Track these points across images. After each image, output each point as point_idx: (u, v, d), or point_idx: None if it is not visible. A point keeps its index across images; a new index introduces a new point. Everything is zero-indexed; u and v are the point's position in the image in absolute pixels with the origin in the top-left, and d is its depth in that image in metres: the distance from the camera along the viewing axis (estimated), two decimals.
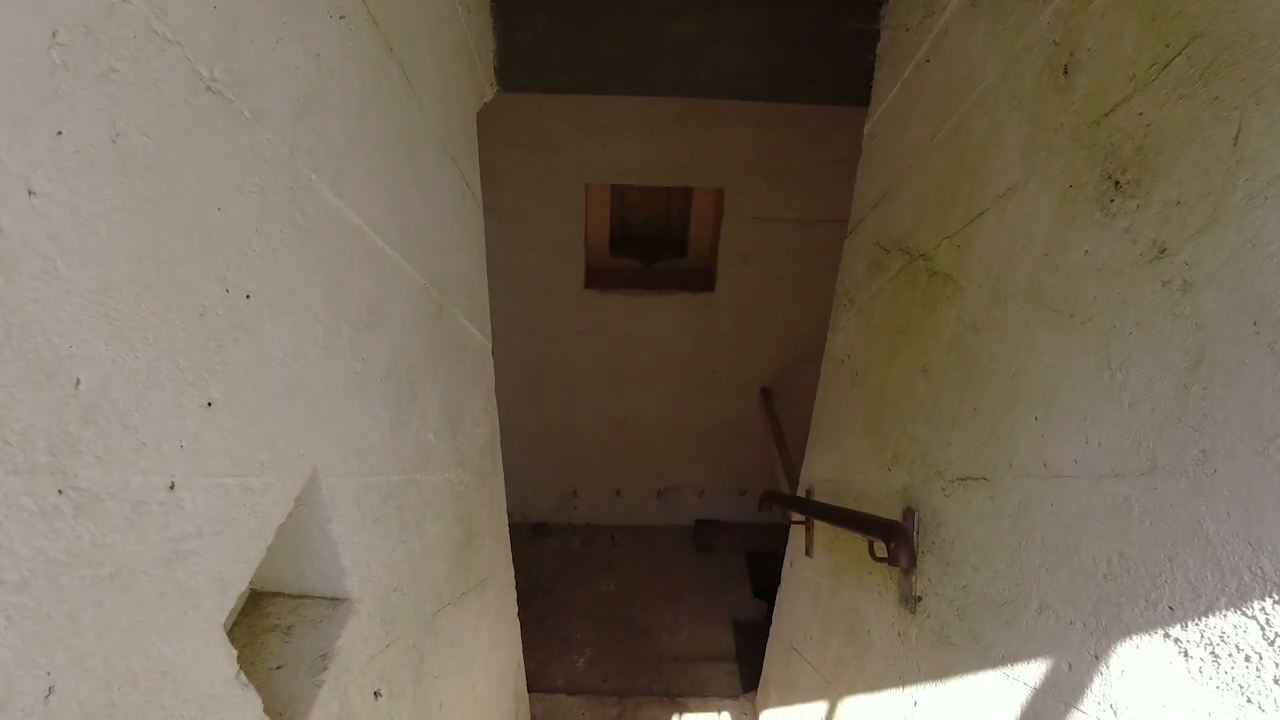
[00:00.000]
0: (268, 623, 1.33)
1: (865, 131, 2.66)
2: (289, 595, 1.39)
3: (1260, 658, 0.98)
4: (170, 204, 0.84)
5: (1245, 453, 0.98)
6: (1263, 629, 0.97)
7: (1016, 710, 1.51)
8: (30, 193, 0.66)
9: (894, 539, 1.90)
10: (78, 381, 0.72)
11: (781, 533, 3.90)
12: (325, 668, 1.27)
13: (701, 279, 4.98)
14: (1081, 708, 1.29)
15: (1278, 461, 0.93)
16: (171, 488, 0.84)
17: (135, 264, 0.79)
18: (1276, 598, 0.95)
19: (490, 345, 2.56)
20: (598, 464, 5.69)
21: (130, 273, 0.78)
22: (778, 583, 3.90)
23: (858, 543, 2.42)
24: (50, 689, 0.70)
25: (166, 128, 0.83)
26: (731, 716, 4.36)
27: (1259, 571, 0.97)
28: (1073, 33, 1.41)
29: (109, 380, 0.75)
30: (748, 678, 4.68)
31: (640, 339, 5.10)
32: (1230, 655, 1.02)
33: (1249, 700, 0.99)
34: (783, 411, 5.20)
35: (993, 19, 1.74)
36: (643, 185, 4.64)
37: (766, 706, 4.14)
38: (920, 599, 1.97)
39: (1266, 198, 0.96)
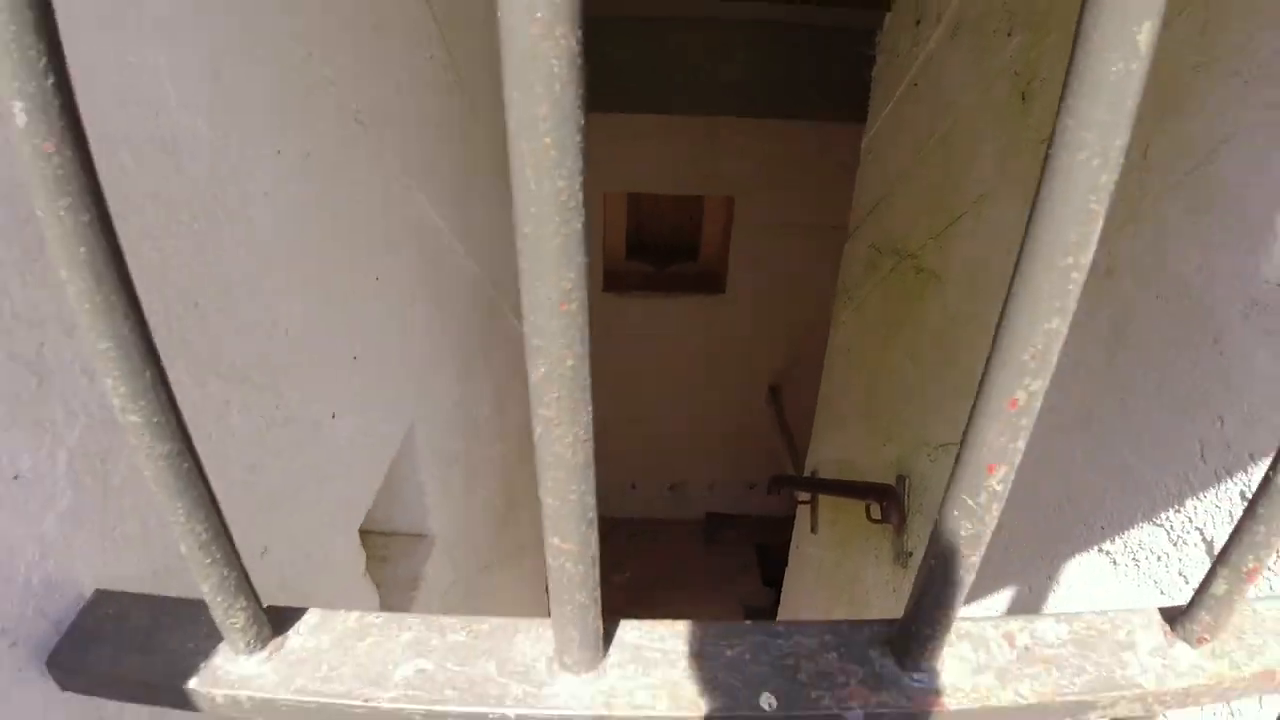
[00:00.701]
0: (368, 552, 1.61)
1: (862, 146, 2.94)
2: (380, 533, 1.67)
3: (1168, 556, 1.25)
4: (335, 204, 1.13)
5: (1151, 399, 1.26)
6: (1168, 534, 1.24)
7: None
8: (265, 194, 0.95)
9: (886, 499, 2.17)
10: (286, 331, 1.00)
11: (788, 526, 4.16)
12: (416, 588, 1.55)
13: (712, 282, 5.27)
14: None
15: (1178, 405, 1.21)
16: (334, 416, 1.13)
17: (320, 248, 1.07)
18: (1177, 508, 1.22)
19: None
20: (613, 459, 5.95)
21: (319, 254, 1.07)
22: (782, 571, 4.18)
23: (857, 513, 2.69)
24: (265, 548, 0.98)
25: (333, 148, 1.12)
26: None
27: (1164, 488, 1.25)
28: (1030, 65, 1.70)
29: (303, 331, 1.04)
30: None
31: (654, 339, 5.39)
32: (1147, 558, 1.29)
33: (1162, 592, 1.27)
34: (789, 408, 5.48)
35: (970, 49, 2.03)
36: (657, 194, 4.94)
37: None
38: (911, 554, 2.24)
39: (1165, 199, 1.24)
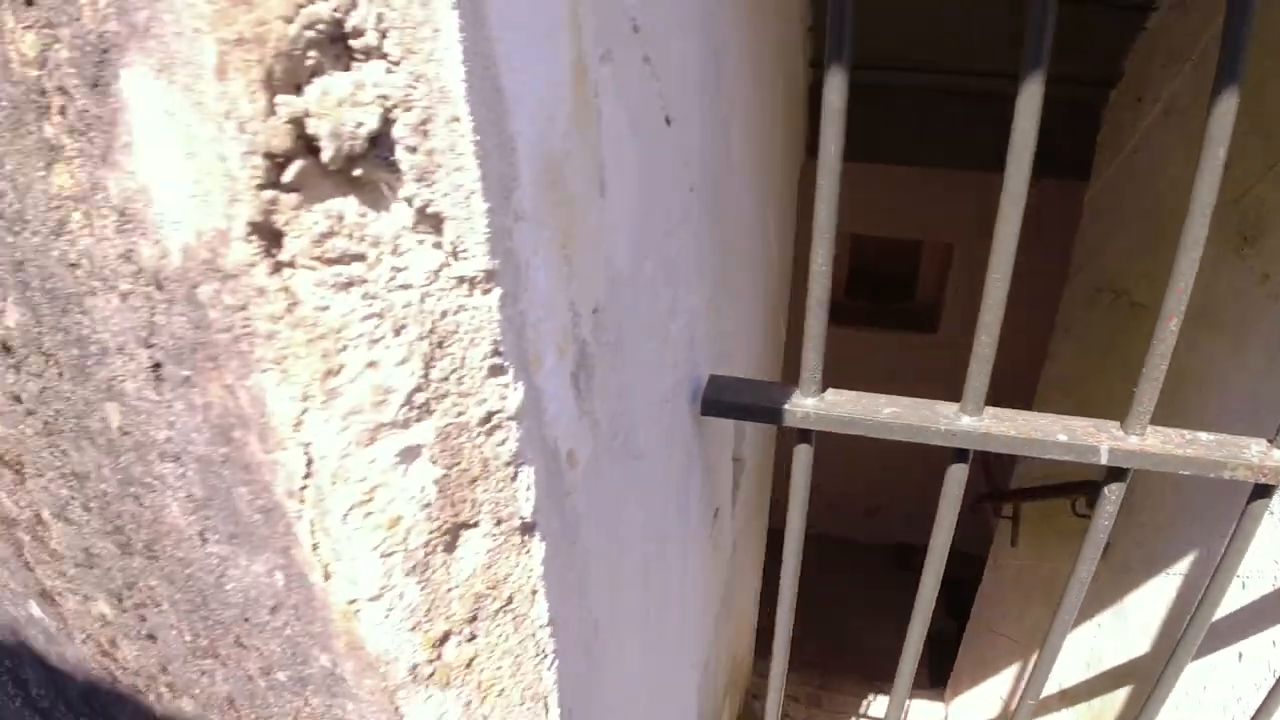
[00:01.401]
0: None
1: (1085, 200, 3.42)
2: None
3: None
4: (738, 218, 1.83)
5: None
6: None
7: (1171, 595, 2.23)
8: (746, 210, 1.66)
9: (1093, 491, 2.64)
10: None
11: (977, 564, 4.55)
12: (739, 486, 2.23)
13: (926, 321, 5.75)
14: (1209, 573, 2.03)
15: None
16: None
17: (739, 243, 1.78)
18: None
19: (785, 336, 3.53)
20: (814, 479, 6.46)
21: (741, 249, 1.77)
22: (970, 606, 4.56)
23: (1058, 520, 3.12)
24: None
25: (743, 176, 1.83)
26: (921, 704, 4.98)
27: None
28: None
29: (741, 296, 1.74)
30: (936, 678, 5.31)
31: (867, 369, 5.89)
32: None
33: None
34: None
35: (1179, 129, 2.52)
36: (878, 235, 5.51)
37: (956, 696, 4.75)
38: (1110, 545, 2.69)
39: None
